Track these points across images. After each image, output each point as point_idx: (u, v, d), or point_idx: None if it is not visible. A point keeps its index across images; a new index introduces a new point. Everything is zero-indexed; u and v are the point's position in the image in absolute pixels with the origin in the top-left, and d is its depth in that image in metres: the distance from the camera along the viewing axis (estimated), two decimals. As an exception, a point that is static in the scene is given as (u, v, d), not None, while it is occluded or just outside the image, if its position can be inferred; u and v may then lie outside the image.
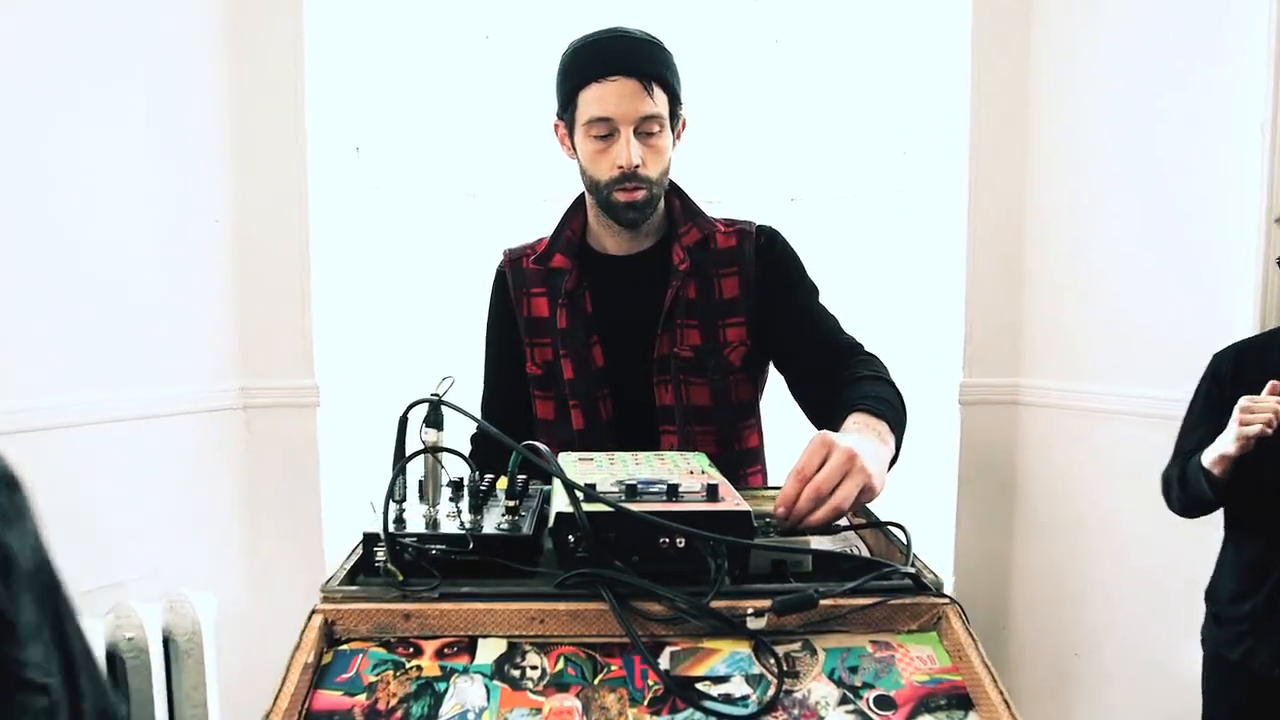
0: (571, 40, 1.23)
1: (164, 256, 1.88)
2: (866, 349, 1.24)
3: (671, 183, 1.30)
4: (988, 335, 2.10)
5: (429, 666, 0.69)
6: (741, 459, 1.32)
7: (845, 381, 1.14)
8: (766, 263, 1.28)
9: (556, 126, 1.27)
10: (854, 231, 2.42)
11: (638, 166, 1.18)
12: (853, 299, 2.34)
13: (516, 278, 1.34)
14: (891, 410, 1.05)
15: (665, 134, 1.20)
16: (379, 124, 2.25)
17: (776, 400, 1.37)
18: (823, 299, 1.31)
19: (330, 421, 2.08)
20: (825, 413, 1.13)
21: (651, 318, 1.26)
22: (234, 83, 1.98)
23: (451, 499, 0.84)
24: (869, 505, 0.96)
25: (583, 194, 1.31)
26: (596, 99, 1.17)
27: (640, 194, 1.20)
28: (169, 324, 1.89)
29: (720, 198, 2.31)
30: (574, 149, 1.25)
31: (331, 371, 2.08)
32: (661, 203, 1.28)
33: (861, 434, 0.96)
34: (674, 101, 1.22)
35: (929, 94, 2.24)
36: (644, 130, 1.18)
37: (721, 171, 2.43)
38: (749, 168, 2.49)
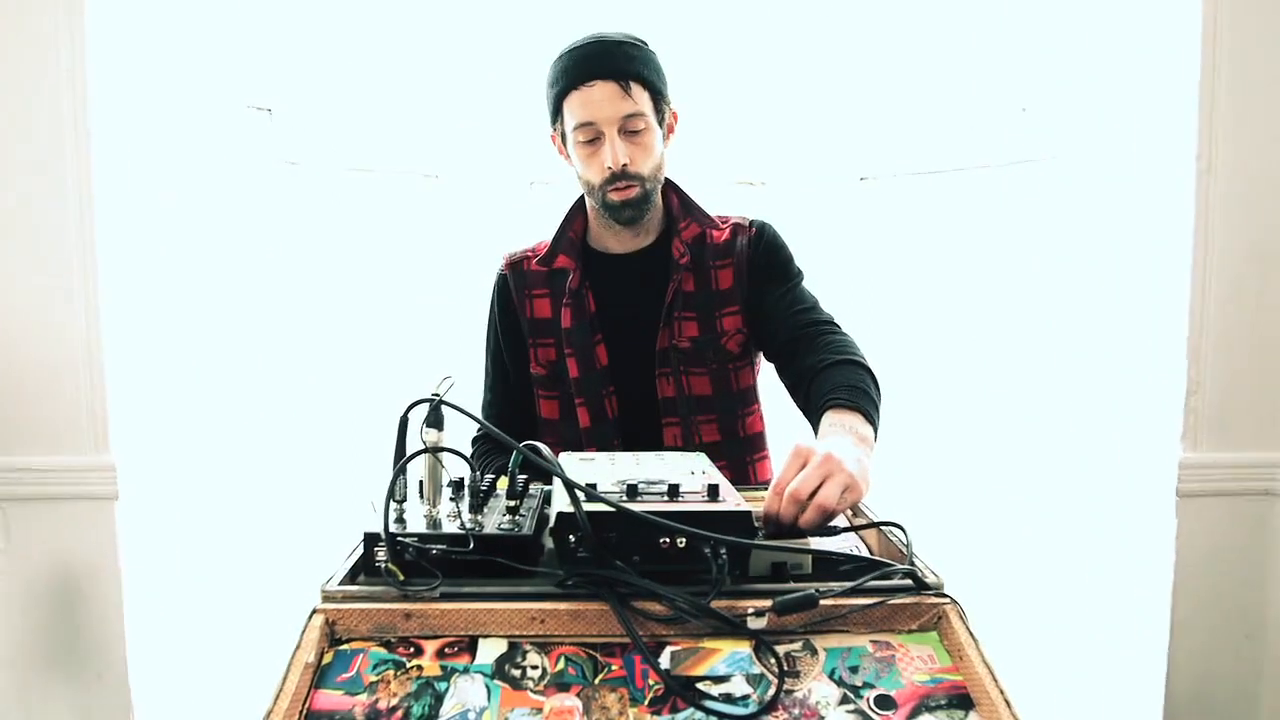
0: (556, 51, 1.26)
1: None
2: (841, 328, 1.26)
3: (669, 180, 1.34)
4: (1226, 390, 1.42)
5: (430, 666, 0.70)
6: (746, 446, 1.34)
7: (815, 371, 1.16)
8: (756, 251, 1.32)
9: (553, 138, 1.32)
10: (952, 218, 1.80)
11: (625, 165, 1.22)
12: (957, 317, 1.76)
13: (518, 280, 1.37)
14: (864, 396, 1.08)
15: (651, 131, 1.24)
16: (299, 81, 1.69)
17: (780, 387, 1.35)
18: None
19: (138, 521, 1.40)
20: (805, 401, 1.17)
21: (653, 313, 1.30)
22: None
23: (452, 499, 0.84)
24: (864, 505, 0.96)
25: (583, 195, 1.35)
26: (579, 105, 1.22)
27: (633, 191, 1.24)
28: None
29: (766, 178, 1.98)
30: (570, 157, 1.29)
31: (139, 445, 1.42)
32: (660, 200, 1.32)
33: (838, 435, 0.99)
34: (658, 98, 1.25)
35: (1074, 17, 1.54)
36: (629, 129, 1.22)
37: (772, 148, 1.98)
38: (806, 141, 1.98)
